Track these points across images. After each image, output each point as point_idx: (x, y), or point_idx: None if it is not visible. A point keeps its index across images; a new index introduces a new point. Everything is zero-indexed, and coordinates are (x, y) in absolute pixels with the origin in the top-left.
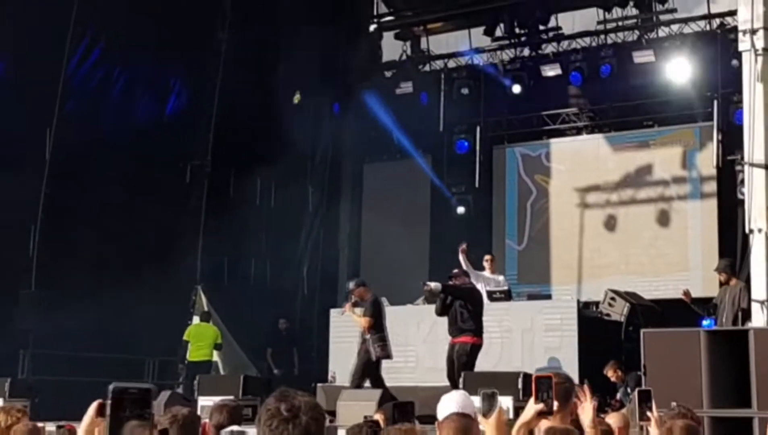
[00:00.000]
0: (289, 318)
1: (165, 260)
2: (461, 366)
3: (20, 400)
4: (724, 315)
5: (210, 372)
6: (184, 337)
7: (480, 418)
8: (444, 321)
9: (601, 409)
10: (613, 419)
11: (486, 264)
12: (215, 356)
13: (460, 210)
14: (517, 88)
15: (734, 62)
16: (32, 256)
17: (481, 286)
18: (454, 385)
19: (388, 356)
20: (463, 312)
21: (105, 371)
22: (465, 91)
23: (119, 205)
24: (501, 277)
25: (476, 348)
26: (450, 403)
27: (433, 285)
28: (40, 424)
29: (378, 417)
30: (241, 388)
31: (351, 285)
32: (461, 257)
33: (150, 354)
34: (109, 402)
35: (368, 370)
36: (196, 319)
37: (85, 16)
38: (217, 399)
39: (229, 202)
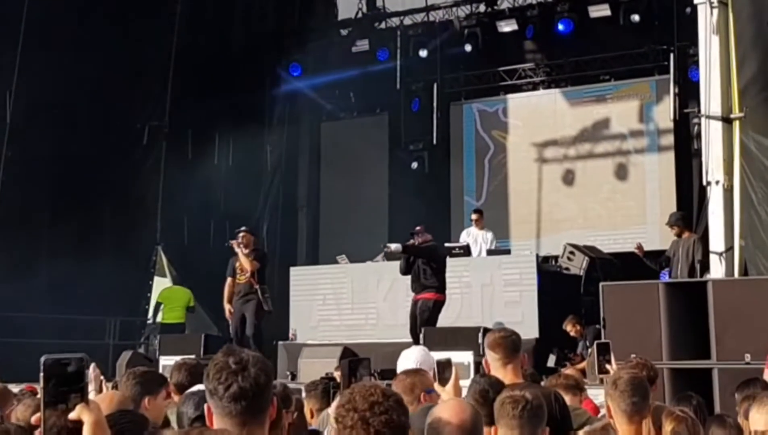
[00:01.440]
0: None
1: (125, 221)
2: (423, 322)
3: None
4: (678, 268)
5: (184, 333)
6: (158, 299)
7: (437, 386)
8: (405, 278)
9: (560, 364)
10: (570, 371)
11: (474, 222)
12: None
13: (414, 165)
14: (468, 48)
15: (688, 10)
16: None
17: (473, 245)
18: (416, 341)
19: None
20: (426, 269)
21: (66, 333)
22: (422, 50)
23: (79, 167)
24: (490, 234)
25: (439, 304)
26: (410, 359)
27: (393, 246)
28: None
29: (336, 374)
30: (202, 347)
31: (243, 228)
32: None
33: (111, 314)
34: (41, 375)
35: (261, 321)
36: (157, 280)
37: None
38: (179, 358)
39: (188, 162)
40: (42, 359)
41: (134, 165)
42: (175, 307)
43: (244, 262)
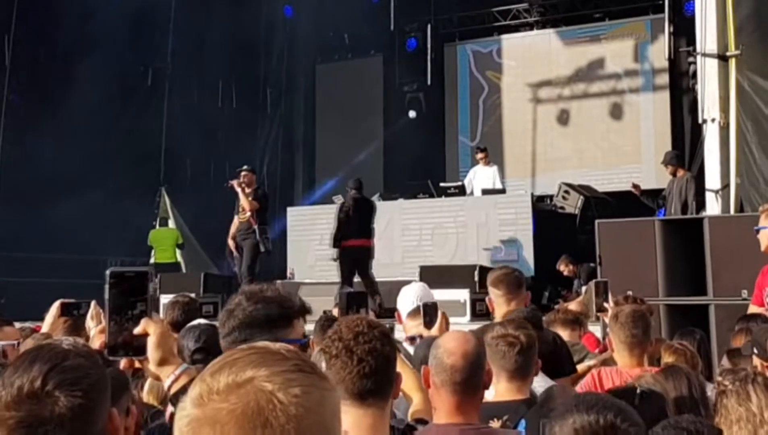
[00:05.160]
0: None
1: (128, 163)
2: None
3: None
4: (672, 206)
5: (178, 271)
6: (148, 243)
7: (422, 329)
8: (400, 218)
9: (553, 300)
10: (573, 306)
11: (480, 160)
12: (179, 256)
13: (412, 114)
14: None
15: None
16: None
17: (477, 182)
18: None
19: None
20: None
21: (68, 272)
22: None
23: (81, 109)
24: (494, 168)
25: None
26: (410, 294)
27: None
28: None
29: (335, 311)
30: (202, 285)
31: (245, 167)
32: None
33: (113, 254)
34: (107, 286)
35: (258, 261)
36: (157, 223)
37: None
38: (172, 296)
39: (192, 104)
40: (107, 271)
41: (138, 107)
42: (166, 248)
43: (243, 201)
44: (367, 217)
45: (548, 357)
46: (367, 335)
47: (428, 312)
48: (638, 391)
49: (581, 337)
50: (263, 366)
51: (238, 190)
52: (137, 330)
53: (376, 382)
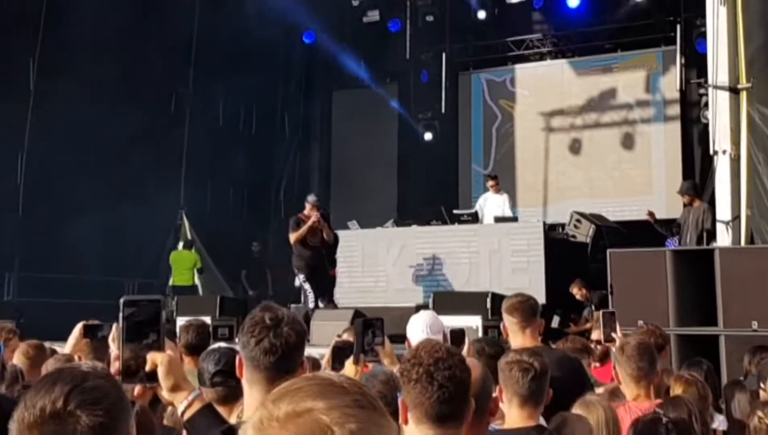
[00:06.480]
0: (264, 241)
1: (148, 186)
2: None
3: (6, 321)
4: (687, 235)
5: (195, 294)
6: (170, 263)
7: None
8: (413, 244)
9: (564, 325)
10: (596, 335)
11: (490, 188)
12: (196, 280)
13: (428, 136)
14: (482, 14)
15: None
16: (19, 183)
17: (487, 209)
18: None
19: None
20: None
21: (87, 293)
22: (430, 18)
23: (104, 133)
24: (505, 196)
25: None
26: (419, 323)
27: None
28: None
29: (347, 335)
30: (217, 308)
31: (315, 198)
32: None
33: (130, 276)
34: (120, 314)
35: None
36: (181, 244)
37: None
38: (186, 319)
39: (212, 129)
40: (121, 299)
41: (161, 131)
42: (183, 271)
43: (328, 233)
44: (331, 249)
45: (573, 384)
46: (447, 362)
47: (455, 338)
48: (664, 420)
49: (590, 365)
50: (322, 398)
51: (321, 221)
52: (147, 367)
53: (454, 407)
